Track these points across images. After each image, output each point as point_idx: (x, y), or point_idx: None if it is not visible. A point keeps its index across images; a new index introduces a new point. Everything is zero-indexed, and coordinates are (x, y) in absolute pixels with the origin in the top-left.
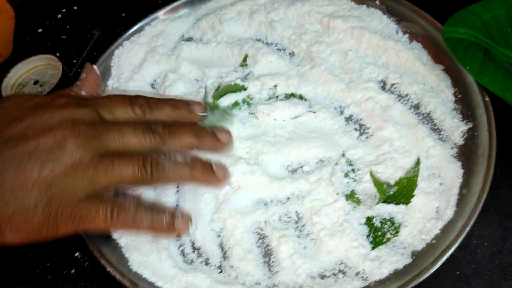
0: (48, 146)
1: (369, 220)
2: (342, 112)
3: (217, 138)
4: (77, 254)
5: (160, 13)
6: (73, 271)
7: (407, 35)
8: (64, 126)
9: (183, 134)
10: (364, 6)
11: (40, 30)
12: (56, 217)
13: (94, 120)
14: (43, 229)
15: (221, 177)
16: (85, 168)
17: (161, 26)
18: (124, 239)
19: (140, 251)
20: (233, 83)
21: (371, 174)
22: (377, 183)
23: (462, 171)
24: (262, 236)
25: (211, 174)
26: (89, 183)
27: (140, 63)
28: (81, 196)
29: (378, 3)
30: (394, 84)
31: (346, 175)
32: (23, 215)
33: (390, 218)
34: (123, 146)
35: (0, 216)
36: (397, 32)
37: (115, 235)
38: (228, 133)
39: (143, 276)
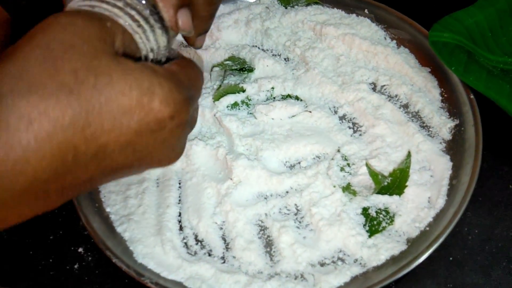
0: None
1: (365, 210)
2: (336, 112)
3: None
4: (80, 249)
5: None
6: (76, 266)
7: (395, 41)
8: None
9: None
10: (354, 15)
11: None
12: None
13: None
14: None
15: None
16: None
17: None
18: (129, 232)
19: (144, 243)
20: (232, 84)
21: (367, 165)
22: (373, 174)
23: (451, 163)
24: (263, 228)
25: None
26: None
27: None
28: None
29: (367, 12)
30: (384, 85)
31: (342, 169)
32: None
33: (385, 208)
34: None
35: None
36: (385, 38)
37: (119, 229)
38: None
39: (148, 267)
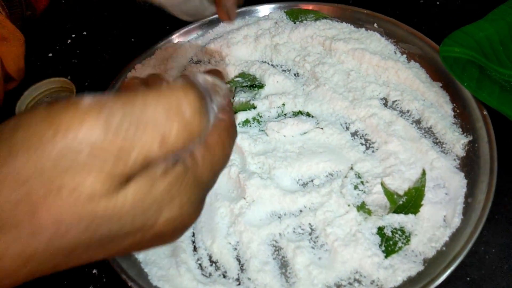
0: None
1: (380, 230)
2: (348, 128)
3: None
4: (94, 271)
5: (173, 36)
6: None
7: (405, 55)
8: None
9: None
10: (363, 29)
11: (50, 54)
12: None
13: None
14: None
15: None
16: None
17: (171, 50)
18: (143, 254)
19: (159, 265)
20: (243, 101)
21: (382, 184)
22: (388, 193)
23: (465, 181)
24: (277, 248)
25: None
26: None
27: None
28: None
29: (376, 26)
30: (396, 101)
31: (356, 187)
32: None
33: (401, 228)
34: None
35: None
36: (395, 53)
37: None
38: None
39: None
